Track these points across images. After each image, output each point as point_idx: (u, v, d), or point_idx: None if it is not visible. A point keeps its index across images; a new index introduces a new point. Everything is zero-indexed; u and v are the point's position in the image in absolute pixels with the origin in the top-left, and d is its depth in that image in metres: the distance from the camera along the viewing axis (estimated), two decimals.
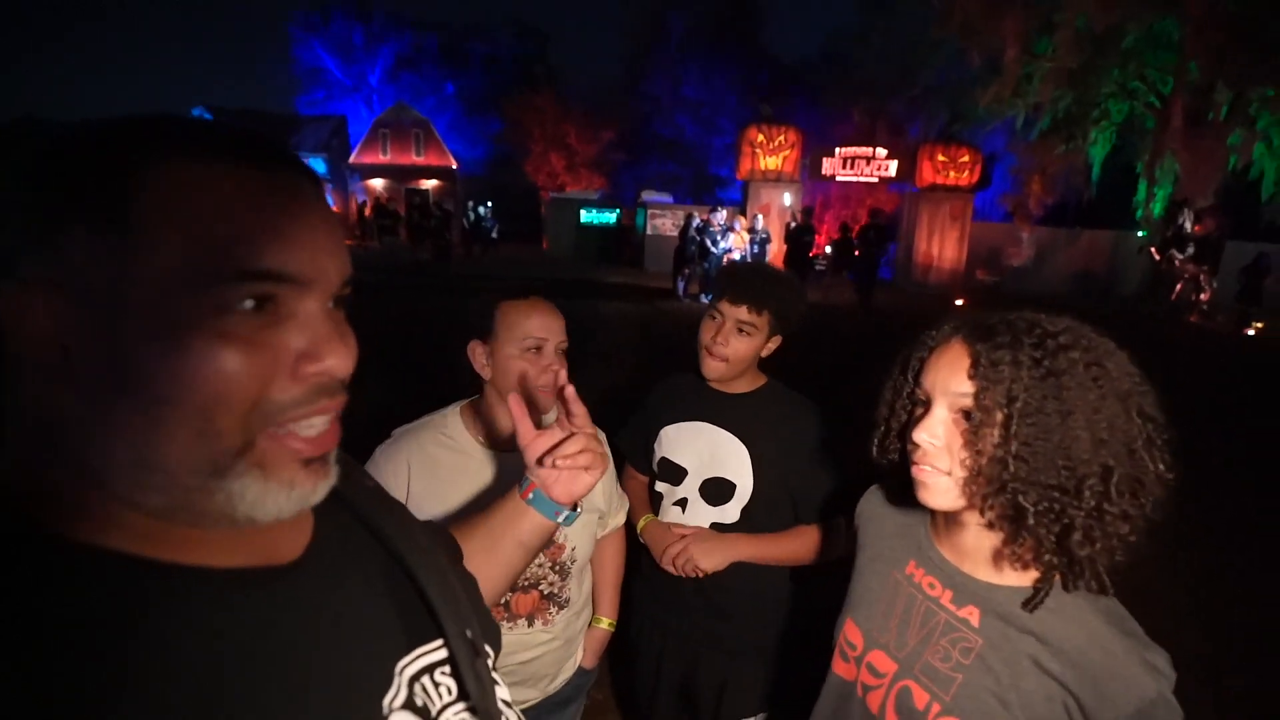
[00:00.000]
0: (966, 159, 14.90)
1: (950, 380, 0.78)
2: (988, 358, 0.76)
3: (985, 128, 16.03)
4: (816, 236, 12.99)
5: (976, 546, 0.83)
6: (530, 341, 1.20)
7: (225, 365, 0.39)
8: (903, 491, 0.89)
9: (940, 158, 14.85)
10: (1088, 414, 0.71)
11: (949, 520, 0.85)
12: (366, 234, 20.70)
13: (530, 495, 0.76)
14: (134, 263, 0.37)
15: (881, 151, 15.28)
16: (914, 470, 0.81)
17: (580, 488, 0.76)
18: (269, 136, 0.44)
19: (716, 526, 1.48)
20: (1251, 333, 10.29)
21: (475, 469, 1.23)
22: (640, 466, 1.63)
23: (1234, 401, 6.15)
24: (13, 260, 0.38)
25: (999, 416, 0.74)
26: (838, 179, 15.60)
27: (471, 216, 18.64)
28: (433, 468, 1.22)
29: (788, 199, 14.81)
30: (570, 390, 0.79)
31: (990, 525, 0.77)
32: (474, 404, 1.30)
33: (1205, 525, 3.46)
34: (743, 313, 1.41)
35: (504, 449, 1.25)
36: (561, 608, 1.30)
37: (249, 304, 0.39)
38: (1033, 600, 0.77)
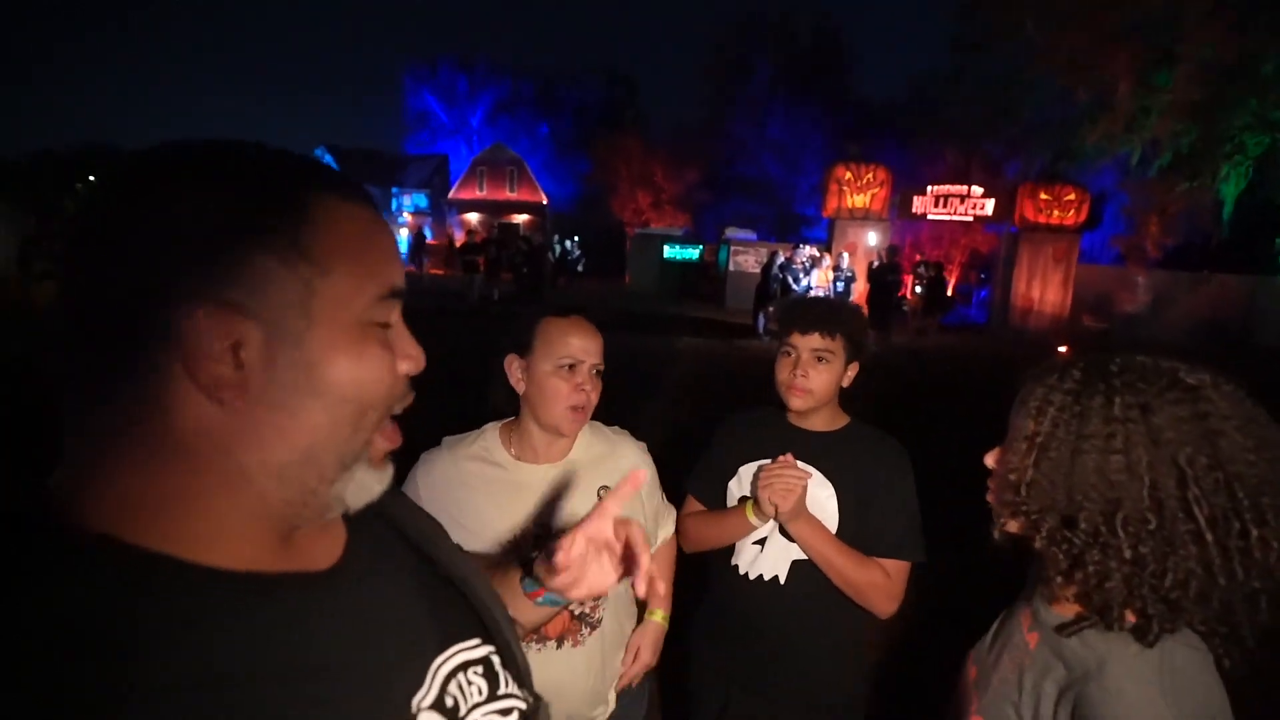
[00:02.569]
0: (1072, 197, 13.98)
1: (1012, 415, 0.86)
2: (1027, 391, 0.82)
3: (1093, 165, 15.08)
4: (903, 275, 12.51)
5: (1050, 580, 0.85)
6: (566, 360, 1.21)
7: (382, 368, 0.47)
8: None
9: (1043, 196, 14.00)
10: (1103, 450, 0.73)
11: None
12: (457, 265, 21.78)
13: (541, 599, 0.76)
14: (317, 285, 0.43)
15: (977, 189, 14.63)
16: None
17: (603, 589, 0.72)
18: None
19: (797, 563, 1.44)
20: None
21: (508, 481, 1.26)
22: (711, 504, 1.59)
23: None
24: (190, 285, 0.40)
25: (1022, 446, 0.80)
26: (929, 217, 15.05)
27: (558, 250, 19.34)
28: (464, 479, 1.26)
29: (874, 238, 14.43)
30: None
31: (1043, 555, 0.81)
32: (511, 423, 1.33)
33: None
34: (815, 340, 1.40)
35: (537, 462, 1.28)
36: (593, 628, 1.27)
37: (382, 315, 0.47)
38: (1066, 627, 0.78)
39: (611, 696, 1.35)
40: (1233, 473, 0.69)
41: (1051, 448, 0.77)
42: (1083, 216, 14.07)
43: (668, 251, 19.22)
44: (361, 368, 0.45)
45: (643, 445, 1.41)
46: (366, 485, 0.48)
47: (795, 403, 1.43)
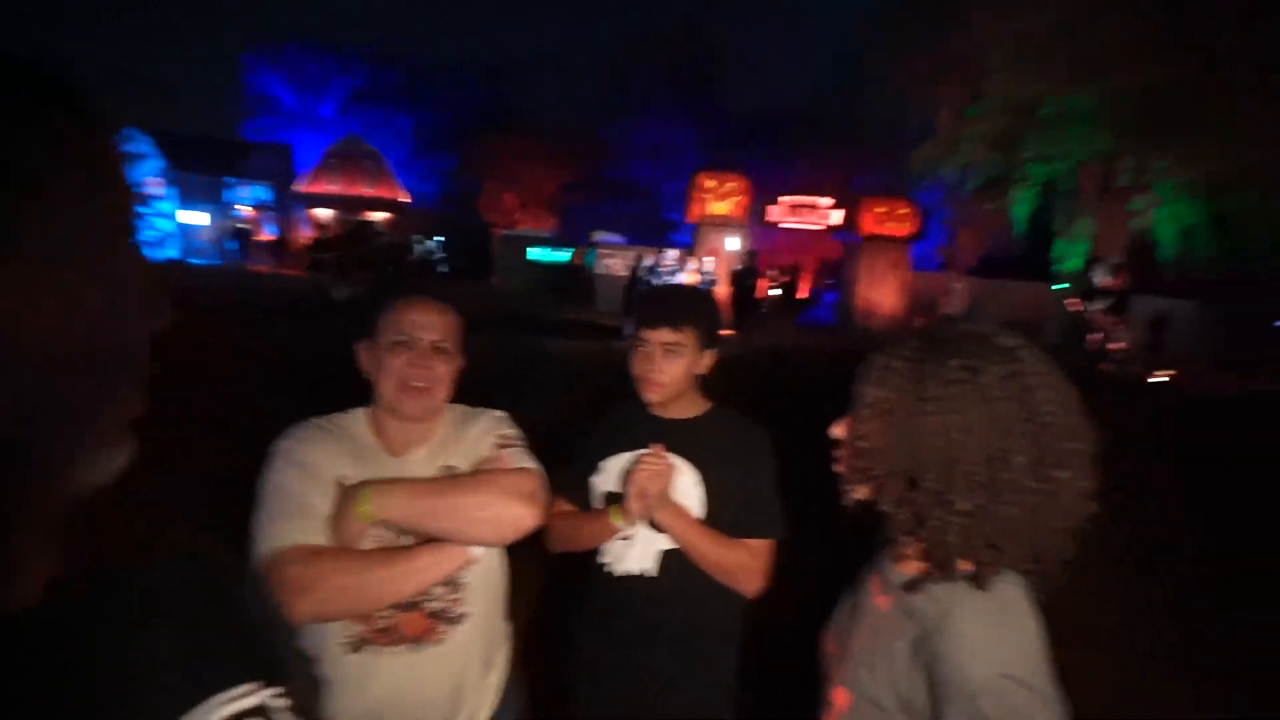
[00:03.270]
0: (905, 211, 15.69)
1: (856, 385, 0.89)
2: (870, 361, 0.86)
3: (923, 184, 17.00)
4: (760, 280, 13.35)
5: (895, 543, 0.89)
6: (399, 335, 1.16)
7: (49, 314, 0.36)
8: None
9: (880, 209, 15.59)
10: (942, 412, 0.78)
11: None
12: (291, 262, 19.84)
13: None
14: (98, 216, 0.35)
15: (825, 200, 15.94)
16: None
17: None
18: None
19: (667, 553, 1.44)
20: (1159, 379, 11.02)
21: (365, 472, 1.17)
22: (577, 502, 1.56)
23: (1151, 445, 6.51)
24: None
25: (868, 413, 0.84)
26: (782, 226, 16.14)
27: (420, 250, 18.43)
28: (339, 458, 1.15)
29: (735, 243, 15.22)
30: None
31: (890, 517, 0.85)
32: (374, 410, 1.25)
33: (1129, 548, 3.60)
34: (665, 334, 1.43)
35: (395, 453, 1.20)
36: (454, 623, 1.17)
37: None
38: (911, 583, 0.82)
39: (484, 713, 1.24)
40: (1042, 423, 0.76)
41: (896, 412, 0.81)
42: (913, 228, 15.81)
43: (535, 253, 18.97)
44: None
45: (501, 414, 1.33)
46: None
47: (649, 395, 1.46)
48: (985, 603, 0.77)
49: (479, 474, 1.16)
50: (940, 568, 0.79)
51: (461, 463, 1.22)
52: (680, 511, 1.40)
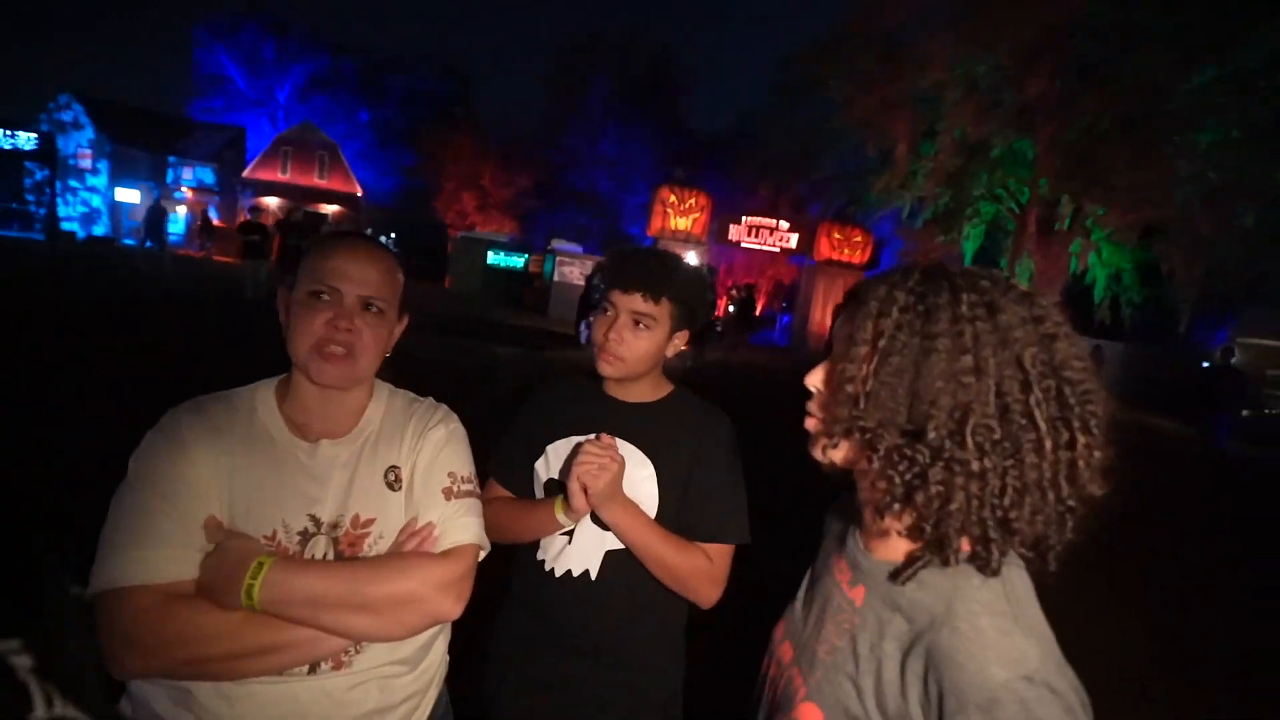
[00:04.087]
0: (860, 239, 16.14)
1: (840, 325, 0.75)
2: (864, 292, 0.72)
3: (876, 213, 17.52)
4: (719, 297, 13.45)
5: (872, 519, 0.74)
6: (320, 286, 0.94)
7: None
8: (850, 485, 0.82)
9: (836, 235, 16.00)
10: (951, 350, 0.64)
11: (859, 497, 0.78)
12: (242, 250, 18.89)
13: None
14: None
15: (784, 224, 16.27)
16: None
17: None
18: None
19: (612, 553, 1.25)
20: None
21: (276, 458, 0.95)
22: (516, 489, 1.36)
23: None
24: None
25: (862, 352, 0.69)
26: (742, 245, 16.37)
27: None
28: (226, 452, 0.92)
29: (694, 259, 15.30)
30: None
31: (869, 486, 0.72)
32: (286, 379, 1.02)
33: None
34: (637, 302, 1.22)
35: (314, 436, 0.98)
36: (359, 649, 0.94)
37: None
38: (901, 572, 0.68)
39: None
40: (1064, 378, 0.65)
41: (895, 351, 0.67)
42: (867, 256, 16.27)
43: (492, 257, 18.66)
44: None
45: (450, 414, 1.12)
46: None
47: (604, 369, 1.25)
48: (991, 590, 0.64)
49: (405, 558, 0.94)
50: (936, 547, 0.66)
51: (405, 467, 1.01)
52: (630, 508, 1.21)
